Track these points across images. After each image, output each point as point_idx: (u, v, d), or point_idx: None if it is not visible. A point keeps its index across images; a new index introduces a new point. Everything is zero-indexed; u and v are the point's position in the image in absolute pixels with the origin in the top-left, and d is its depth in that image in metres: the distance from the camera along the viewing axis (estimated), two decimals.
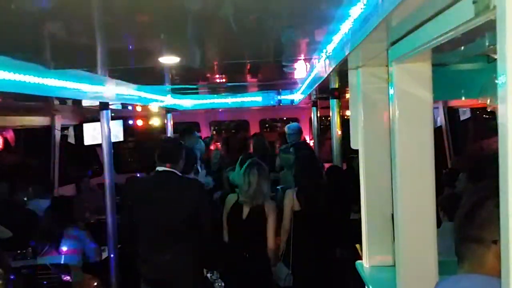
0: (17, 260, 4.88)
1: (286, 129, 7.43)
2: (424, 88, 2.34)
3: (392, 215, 2.90)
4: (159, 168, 4.08)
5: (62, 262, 4.74)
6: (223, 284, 4.28)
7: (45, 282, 4.61)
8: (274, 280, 4.53)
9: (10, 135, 7.90)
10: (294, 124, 7.78)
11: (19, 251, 4.97)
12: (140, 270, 4.15)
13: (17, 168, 7.11)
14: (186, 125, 8.55)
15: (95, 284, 5.21)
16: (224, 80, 5.11)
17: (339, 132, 5.40)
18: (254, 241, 4.46)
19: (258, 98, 7.66)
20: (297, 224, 4.54)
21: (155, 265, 4.03)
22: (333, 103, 5.25)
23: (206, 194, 4.29)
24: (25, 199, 5.83)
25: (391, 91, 2.36)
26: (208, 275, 4.26)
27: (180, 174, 4.16)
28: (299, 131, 7.32)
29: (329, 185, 4.82)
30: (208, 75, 4.72)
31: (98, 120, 5.17)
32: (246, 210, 4.49)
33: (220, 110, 9.03)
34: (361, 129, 3.06)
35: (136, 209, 4.10)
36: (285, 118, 10.99)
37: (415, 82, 2.33)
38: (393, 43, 2.29)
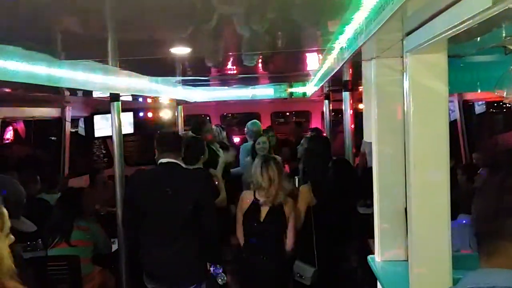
0: (27, 252, 4.90)
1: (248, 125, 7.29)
2: (440, 79, 2.29)
3: (406, 209, 2.87)
4: (162, 160, 4.05)
5: (72, 254, 4.74)
6: (225, 278, 4.21)
7: (55, 274, 4.63)
8: (297, 278, 4.39)
9: (20, 126, 7.93)
10: (254, 121, 7.56)
11: (29, 242, 4.99)
12: (142, 263, 4.14)
13: (27, 159, 7.14)
14: (196, 117, 8.54)
15: (105, 276, 5.23)
16: (235, 71, 5.06)
17: (352, 126, 5.33)
18: (273, 244, 4.28)
19: (270, 91, 7.60)
20: (317, 219, 4.38)
21: (157, 258, 4.01)
22: (346, 95, 5.18)
23: (210, 186, 4.17)
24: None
25: (406, 83, 2.32)
26: (211, 268, 4.20)
27: (183, 165, 4.12)
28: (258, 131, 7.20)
29: (336, 179, 4.66)
30: (219, 66, 4.67)
31: (109, 112, 5.17)
32: (264, 211, 4.24)
33: (231, 102, 8.99)
34: (374, 121, 3.01)
35: (138, 202, 4.07)
36: (296, 111, 10.96)
37: (430, 74, 2.28)
38: (409, 33, 2.24)
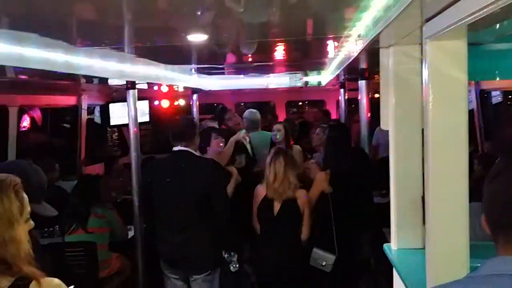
0: (45, 238, 4.96)
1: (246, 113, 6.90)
2: (459, 67, 2.25)
3: (423, 197, 2.85)
4: (175, 148, 4.07)
5: (89, 240, 4.79)
6: (237, 265, 4.23)
7: (72, 260, 4.68)
8: (317, 265, 4.39)
9: (37, 114, 8.00)
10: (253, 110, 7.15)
11: (46, 229, 5.05)
12: (158, 249, 4.17)
13: (44, 147, 7.20)
14: (212, 106, 8.54)
15: (122, 262, 5.29)
16: (250, 59, 5.04)
17: (368, 114, 5.28)
18: (287, 237, 4.29)
19: (285, 79, 7.56)
20: (335, 206, 4.38)
21: (172, 244, 4.04)
22: (362, 84, 5.13)
23: (221, 174, 4.17)
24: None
25: (425, 70, 2.28)
26: (225, 255, 4.22)
27: (195, 153, 4.12)
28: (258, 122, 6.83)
29: (353, 168, 4.64)
30: (235, 54, 4.65)
31: (124, 100, 5.19)
32: (277, 205, 4.26)
33: (246, 91, 8.97)
34: (391, 109, 2.98)
35: (153, 190, 4.10)
36: (311, 101, 10.90)
37: (449, 61, 2.25)
38: (428, 20, 2.21)
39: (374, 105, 5.21)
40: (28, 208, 1.77)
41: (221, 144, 4.95)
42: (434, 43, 2.22)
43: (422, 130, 2.79)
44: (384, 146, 6.00)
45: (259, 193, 4.36)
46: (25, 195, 1.76)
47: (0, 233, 1.62)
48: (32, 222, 1.81)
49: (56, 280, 1.72)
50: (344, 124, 7.01)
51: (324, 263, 4.34)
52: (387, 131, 3.13)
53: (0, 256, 1.62)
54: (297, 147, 6.15)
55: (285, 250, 4.27)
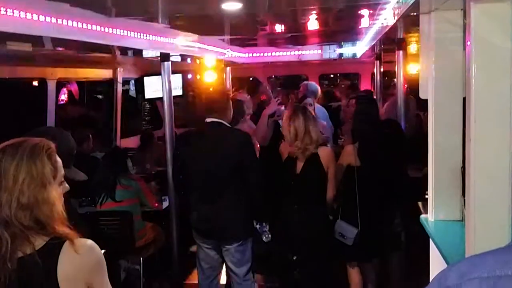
0: (83, 207, 5.10)
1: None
2: (505, 32, 2.15)
3: (461, 168, 2.77)
4: (208, 120, 4.07)
5: (125, 210, 4.89)
6: (270, 236, 4.23)
7: (109, 229, 4.79)
8: (339, 237, 4.33)
9: (74, 88, 8.16)
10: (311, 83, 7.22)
11: (84, 198, 5.18)
12: (190, 219, 4.22)
13: (81, 120, 7.35)
14: (244, 79, 8.49)
15: (157, 231, 5.39)
16: (283, 30, 4.96)
17: (405, 85, 5.15)
18: (312, 196, 4.24)
19: (318, 51, 7.42)
20: (361, 180, 4.29)
21: (204, 214, 4.07)
22: (399, 54, 4.99)
23: (252, 145, 4.13)
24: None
25: (468, 35, 2.19)
26: (257, 226, 4.23)
27: (228, 124, 4.13)
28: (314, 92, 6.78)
29: (385, 140, 4.51)
30: (268, 24, 4.58)
31: (158, 74, 5.21)
32: (300, 163, 4.20)
33: (278, 64, 8.88)
34: (431, 78, 2.89)
35: (185, 160, 4.13)
36: (345, 74, 10.72)
37: (494, 26, 2.14)
38: None
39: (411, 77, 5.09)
40: (62, 172, 1.80)
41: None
42: (477, 6, 2.12)
43: (463, 99, 2.71)
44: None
45: (282, 151, 4.32)
46: (58, 159, 1.79)
47: (34, 194, 1.66)
48: (67, 185, 1.85)
49: (90, 241, 1.75)
50: (372, 95, 6.87)
51: (345, 236, 4.30)
52: None
53: (34, 217, 1.67)
54: (322, 123, 6.05)
55: (309, 210, 4.22)
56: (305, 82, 7.34)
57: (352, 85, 9.24)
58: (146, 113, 10.23)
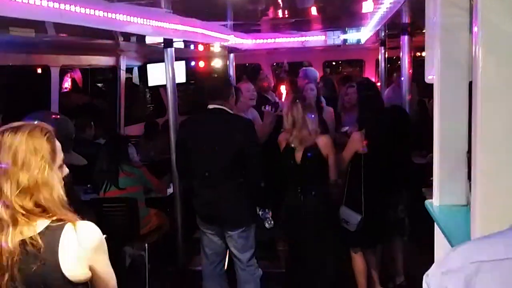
0: (87, 194, 5.11)
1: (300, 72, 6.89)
2: (511, 15, 2.12)
3: (467, 153, 2.76)
4: (210, 106, 4.07)
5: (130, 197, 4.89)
6: (272, 222, 4.24)
7: (114, 216, 4.81)
8: (342, 223, 4.35)
9: (77, 75, 8.15)
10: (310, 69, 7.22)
11: (89, 185, 5.19)
12: (194, 206, 4.23)
13: (84, 107, 7.34)
14: (248, 66, 8.44)
15: (161, 218, 5.41)
16: (287, 15, 4.92)
17: (410, 71, 5.11)
18: (312, 186, 4.25)
19: (322, 37, 7.36)
20: (367, 167, 4.29)
21: (207, 200, 4.08)
22: (404, 40, 4.93)
23: (253, 131, 4.14)
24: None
25: (474, 18, 2.16)
26: (260, 212, 4.23)
27: (230, 111, 4.12)
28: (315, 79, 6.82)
29: (391, 126, 4.48)
30: (271, 9, 4.55)
31: (162, 61, 5.19)
32: (299, 153, 4.21)
33: (282, 51, 8.83)
34: (437, 62, 2.86)
35: (188, 147, 4.12)
36: (349, 60, 10.65)
37: (501, 8, 2.11)
38: None
39: (416, 63, 5.04)
40: (61, 155, 1.81)
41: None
42: None
43: (469, 83, 2.69)
44: None
45: (281, 141, 4.33)
46: (57, 142, 1.80)
47: (34, 177, 1.67)
48: (66, 169, 1.86)
49: (90, 223, 1.76)
50: (373, 83, 6.84)
51: (349, 222, 4.31)
52: None
53: (35, 200, 1.68)
54: (329, 109, 6.03)
55: (310, 199, 4.23)
56: (304, 68, 7.30)
57: (345, 77, 9.19)
58: (149, 101, 10.22)
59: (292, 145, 4.21)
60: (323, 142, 4.20)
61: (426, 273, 1.29)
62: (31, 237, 1.65)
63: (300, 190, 4.26)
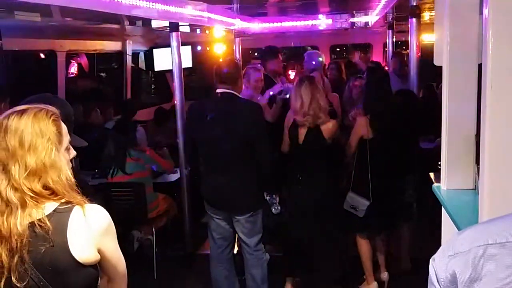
0: (95, 179, 5.13)
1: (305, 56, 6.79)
2: None
3: (476, 136, 2.73)
4: (218, 90, 4.03)
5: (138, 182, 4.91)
6: (279, 208, 4.23)
7: (122, 201, 4.84)
8: (350, 209, 4.35)
9: (84, 61, 8.14)
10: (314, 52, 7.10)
11: (97, 170, 5.21)
12: (201, 190, 4.24)
13: (91, 92, 7.35)
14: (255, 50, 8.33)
15: (169, 203, 5.44)
16: None
17: (418, 54, 5.05)
18: (315, 168, 4.26)
19: (329, 21, 7.28)
20: (373, 153, 4.27)
21: (215, 185, 4.08)
22: (413, 23, 4.87)
23: (262, 116, 4.13)
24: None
25: (485, 1, 2.12)
26: (267, 197, 4.23)
27: (238, 95, 4.10)
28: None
29: (399, 111, 4.46)
30: None
31: (168, 46, 5.17)
32: (302, 132, 4.22)
33: (288, 35, 8.75)
34: (446, 45, 2.82)
35: (195, 131, 4.11)
36: (356, 44, 10.54)
37: None
38: None
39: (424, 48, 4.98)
40: (68, 137, 1.81)
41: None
42: None
43: (479, 66, 2.66)
44: None
45: (289, 118, 4.33)
46: (63, 125, 1.80)
47: (41, 159, 1.67)
48: (74, 151, 1.86)
49: (99, 206, 1.76)
50: (381, 67, 6.75)
51: (357, 208, 4.30)
52: None
53: (43, 182, 1.68)
54: (334, 95, 5.98)
55: (312, 180, 4.25)
56: (308, 52, 7.16)
57: (349, 62, 9.05)
58: (154, 86, 10.19)
59: (299, 123, 4.20)
60: (327, 126, 4.21)
61: (433, 257, 1.29)
62: (39, 219, 1.66)
63: (301, 170, 4.26)
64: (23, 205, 1.66)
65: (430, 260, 1.29)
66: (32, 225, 1.65)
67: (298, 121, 4.21)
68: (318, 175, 4.27)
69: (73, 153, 1.85)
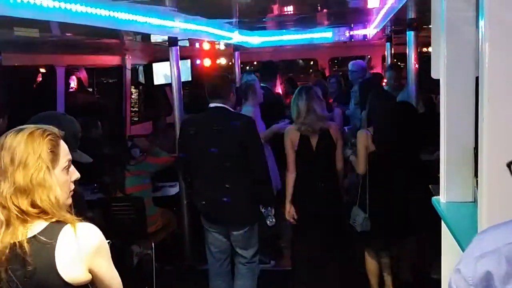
0: (95, 193, 5.11)
1: (349, 66, 6.98)
2: None
3: (475, 148, 2.73)
4: (211, 105, 4.06)
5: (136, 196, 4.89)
6: (274, 220, 4.24)
7: (121, 215, 4.81)
8: (352, 222, 4.36)
9: (83, 75, 8.16)
10: (359, 61, 7.31)
11: (96, 184, 5.20)
12: (196, 204, 4.23)
13: (90, 107, 7.35)
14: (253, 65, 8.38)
15: (168, 217, 5.41)
16: (292, 11, 4.89)
17: (416, 65, 5.06)
18: (327, 171, 4.38)
19: (328, 34, 7.33)
20: (373, 166, 4.27)
21: (210, 200, 4.07)
22: (410, 35, 4.89)
23: (255, 129, 4.13)
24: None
25: (481, 13, 2.13)
26: (263, 210, 4.23)
27: (231, 109, 4.12)
28: (363, 70, 6.89)
29: (399, 123, 4.43)
30: (277, 5, 4.52)
31: (167, 60, 5.19)
32: (313, 140, 4.33)
33: (287, 48, 8.78)
34: (443, 57, 2.83)
35: (188, 145, 4.12)
36: (355, 57, 10.57)
37: (508, 2, 2.09)
38: None
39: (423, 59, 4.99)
40: (66, 158, 1.78)
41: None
42: None
43: (476, 78, 2.66)
44: None
45: (291, 134, 4.39)
46: (62, 145, 1.78)
47: (30, 178, 1.66)
48: (77, 173, 1.84)
49: (91, 225, 1.74)
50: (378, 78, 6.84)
51: (355, 222, 4.31)
52: None
53: (30, 200, 1.67)
54: (337, 110, 6.01)
55: (328, 185, 4.36)
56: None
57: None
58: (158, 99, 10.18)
59: (305, 133, 4.31)
60: (333, 128, 4.39)
61: (456, 268, 1.30)
62: (29, 238, 1.65)
63: (318, 178, 4.36)
64: (8, 223, 1.64)
65: (452, 272, 1.32)
66: (13, 245, 1.64)
67: (304, 132, 4.30)
68: (331, 179, 4.40)
69: (76, 175, 1.83)
